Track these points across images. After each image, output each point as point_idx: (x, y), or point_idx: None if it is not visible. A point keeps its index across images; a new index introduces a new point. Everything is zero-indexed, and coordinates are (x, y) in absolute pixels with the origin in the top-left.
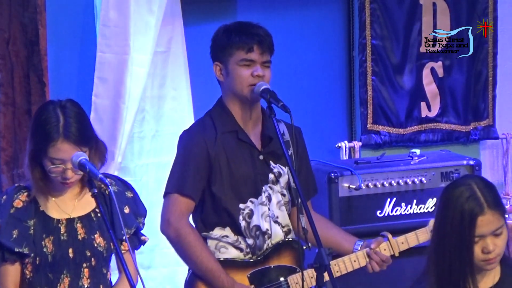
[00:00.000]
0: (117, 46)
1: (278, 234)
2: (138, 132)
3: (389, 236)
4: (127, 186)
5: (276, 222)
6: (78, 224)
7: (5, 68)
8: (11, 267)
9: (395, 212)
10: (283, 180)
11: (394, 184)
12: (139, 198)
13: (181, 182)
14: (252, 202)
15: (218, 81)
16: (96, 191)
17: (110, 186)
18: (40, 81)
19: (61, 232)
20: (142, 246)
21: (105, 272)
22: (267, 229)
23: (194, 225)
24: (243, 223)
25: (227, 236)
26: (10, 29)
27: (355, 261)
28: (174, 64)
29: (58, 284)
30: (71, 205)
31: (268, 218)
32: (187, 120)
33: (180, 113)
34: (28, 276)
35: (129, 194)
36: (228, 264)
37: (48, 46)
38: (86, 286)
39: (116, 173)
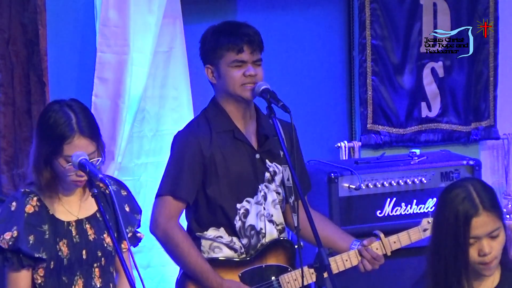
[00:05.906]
0: (117, 46)
1: (272, 233)
2: (138, 131)
3: (381, 235)
4: (121, 185)
5: (270, 221)
6: (87, 225)
7: (5, 68)
8: (26, 273)
9: (395, 212)
10: (278, 178)
11: (394, 184)
12: (133, 195)
13: (175, 185)
14: (248, 201)
15: (210, 83)
16: (96, 191)
17: (110, 186)
18: (40, 81)
19: (73, 235)
20: (139, 243)
21: (112, 271)
22: (261, 228)
23: (187, 225)
24: (238, 223)
25: (221, 237)
26: (10, 29)
27: (347, 260)
28: (174, 64)
29: (73, 287)
30: (77, 207)
31: (263, 217)
32: (187, 120)
33: (180, 113)
34: (39, 281)
35: (123, 193)
36: (220, 263)
37: (48, 46)
38: (98, 286)
39: (116, 173)
